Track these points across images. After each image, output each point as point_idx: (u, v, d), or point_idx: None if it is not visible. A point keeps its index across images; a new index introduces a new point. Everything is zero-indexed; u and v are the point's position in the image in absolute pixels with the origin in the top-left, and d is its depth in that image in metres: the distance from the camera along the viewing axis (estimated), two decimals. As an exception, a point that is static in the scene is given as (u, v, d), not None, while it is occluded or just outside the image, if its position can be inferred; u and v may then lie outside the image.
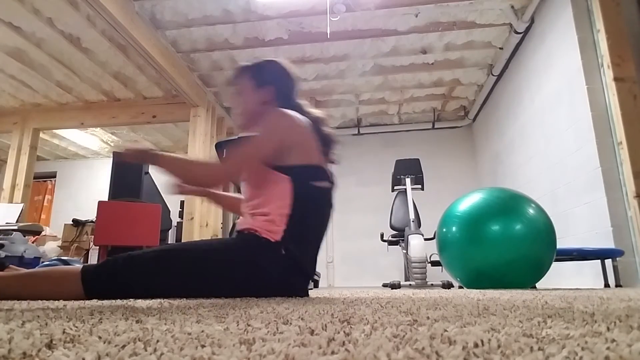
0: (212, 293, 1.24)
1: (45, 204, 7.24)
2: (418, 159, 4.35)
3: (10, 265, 1.44)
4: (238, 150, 1.28)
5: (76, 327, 0.46)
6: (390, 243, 4.42)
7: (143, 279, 1.22)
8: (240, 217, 1.43)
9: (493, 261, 2.37)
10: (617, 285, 2.54)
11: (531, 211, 2.44)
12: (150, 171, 4.38)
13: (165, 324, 0.49)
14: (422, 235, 3.54)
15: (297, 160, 1.31)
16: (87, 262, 4.17)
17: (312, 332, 0.40)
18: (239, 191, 4.37)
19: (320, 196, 1.37)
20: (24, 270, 1.32)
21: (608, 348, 0.30)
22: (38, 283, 1.19)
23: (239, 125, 1.48)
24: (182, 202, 5.24)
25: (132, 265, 1.23)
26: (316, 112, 1.47)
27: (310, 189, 1.33)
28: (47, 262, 1.81)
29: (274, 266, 1.26)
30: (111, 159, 4.10)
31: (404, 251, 4.05)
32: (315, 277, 4.11)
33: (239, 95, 1.46)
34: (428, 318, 0.53)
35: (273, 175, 1.31)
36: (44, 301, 1.08)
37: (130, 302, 1.04)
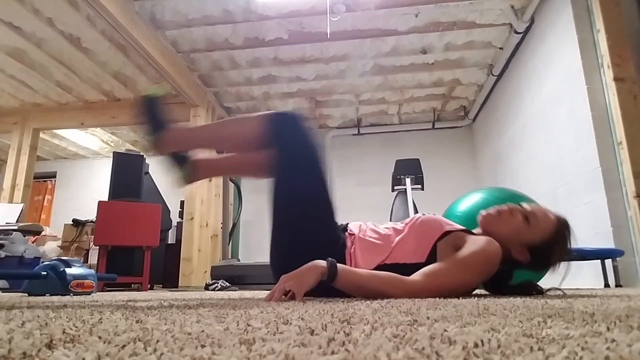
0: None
1: (45, 204, 7.24)
2: (418, 159, 4.35)
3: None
4: (438, 276, 1.10)
5: (76, 327, 0.46)
6: (390, 243, 4.42)
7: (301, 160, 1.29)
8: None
9: (493, 261, 2.37)
10: (617, 285, 2.54)
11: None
12: (150, 171, 4.38)
13: (165, 324, 0.49)
14: (422, 235, 3.53)
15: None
16: (87, 262, 4.17)
17: (312, 332, 0.40)
18: (238, 190, 4.29)
19: None
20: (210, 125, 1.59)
21: (608, 348, 0.30)
22: (224, 126, 1.42)
23: (482, 222, 1.32)
24: (182, 202, 5.24)
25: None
26: None
27: None
28: (47, 262, 1.81)
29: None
30: (111, 159, 4.09)
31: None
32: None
33: (521, 226, 1.25)
34: (428, 318, 0.53)
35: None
36: (45, 301, 1.08)
37: (130, 302, 1.04)
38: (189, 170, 1.44)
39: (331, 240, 1.27)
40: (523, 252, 1.24)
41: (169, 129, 1.41)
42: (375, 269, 1.18)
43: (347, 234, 1.33)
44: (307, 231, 1.25)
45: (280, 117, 1.32)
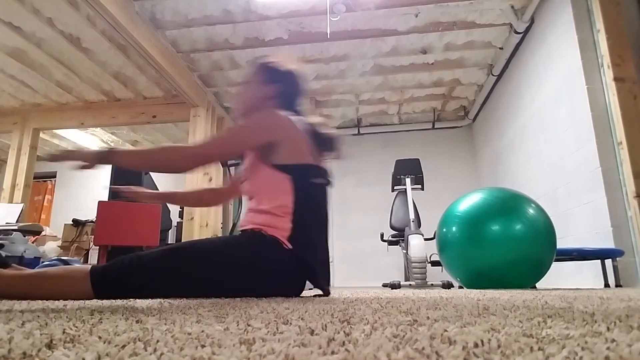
0: (219, 292, 1.25)
1: (45, 204, 7.24)
2: (418, 159, 4.35)
3: (13, 265, 1.44)
4: (216, 136, 1.33)
5: (76, 327, 0.46)
6: (390, 243, 4.42)
7: (151, 278, 1.22)
8: (244, 216, 1.43)
9: (493, 261, 2.37)
10: (617, 285, 2.54)
11: (531, 211, 2.44)
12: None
13: (165, 324, 0.49)
14: (422, 235, 3.54)
15: (291, 160, 1.35)
16: (87, 262, 4.17)
17: (312, 332, 0.40)
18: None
19: (319, 193, 1.42)
20: (29, 270, 1.30)
21: (608, 348, 0.30)
22: (45, 283, 1.19)
23: (237, 113, 1.53)
24: (182, 202, 5.24)
25: (140, 265, 1.23)
26: (315, 118, 1.53)
27: (310, 186, 1.37)
28: (47, 262, 1.80)
29: (279, 263, 1.28)
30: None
31: (404, 251, 4.05)
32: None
33: (246, 85, 1.50)
34: (428, 318, 0.53)
35: (274, 174, 1.33)
36: (46, 301, 1.08)
37: (130, 302, 1.04)
38: None
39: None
40: (269, 89, 1.46)
41: None
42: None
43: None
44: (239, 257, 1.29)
45: (98, 275, 1.20)
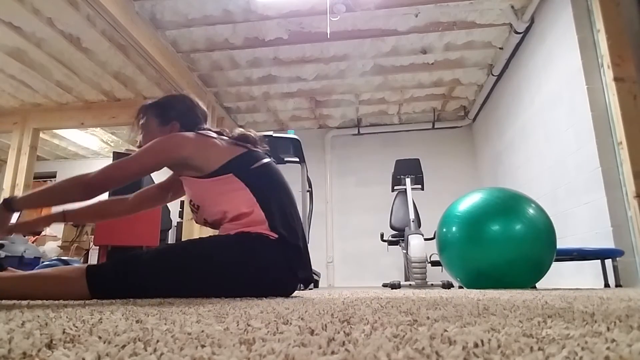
0: (217, 291, 1.25)
1: (45, 204, 7.23)
2: (418, 159, 4.35)
3: (9, 268, 1.44)
4: (109, 164, 1.31)
5: (76, 327, 0.46)
6: (390, 243, 4.42)
7: (148, 277, 1.23)
8: (221, 231, 1.40)
9: (493, 261, 2.37)
10: (617, 285, 2.54)
11: (531, 211, 2.44)
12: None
13: (165, 324, 0.49)
14: (422, 235, 3.54)
15: (219, 161, 1.33)
16: (87, 262, 4.17)
17: (312, 332, 0.40)
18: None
19: (267, 171, 1.42)
20: (25, 272, 1.31)
21: (608, 348, 0.30)
22: (42, 283, 1.19)
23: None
24: (182, 202, 5.24)
25: (137, 264, 1.24)
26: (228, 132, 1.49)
27: (254, 171, 1.37)
28: (47, 262, 1.81)
29: (270, 254, 1.28)
30: (111, 159, 4.09)
31: (404, 251, 4.04)
32: (315, 277, 4.10)
33: (145, 133, 1.48)
34: (428, 318, 0.53)
35: (215, 181, 1.33)
36: (46, 301, 1.08)
37: (130, 302, 1.04)
38: None
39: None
40: (167, 129, 1.46)
41: None
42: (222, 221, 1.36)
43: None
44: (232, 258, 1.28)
45: (94, 274, 1.20)
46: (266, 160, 1.44)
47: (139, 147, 1.43)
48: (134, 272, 1.23)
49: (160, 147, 1.33)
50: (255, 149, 1.44)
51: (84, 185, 1.26)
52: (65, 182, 1.28)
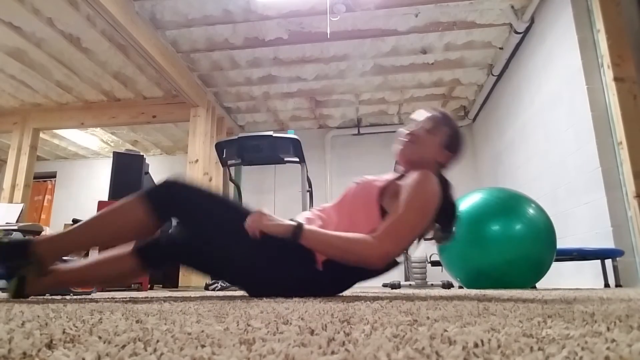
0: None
1: (45, 204, 7.24)
2: (418, 159, 4.34)
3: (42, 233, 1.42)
4: (396, 229, 1.16)
5: (76, 327, 0.46)
6: (390, 243, 4.41)
7: (200, 206, 1.24)
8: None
9: (493, 261, 2.37)
10: (617, 285, 2.54)
11: (531, 211, 2.44)
12: (150, 171, 4.38)
13: (165, 324, 0.49)
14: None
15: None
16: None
17: (312, 332, 0.40)
18: (238, 191, 4.27)
19: None
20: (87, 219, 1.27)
21: (608, 348, 0.30)
22: (102, 225, 1.21)
23: (402, 155, 1.37)
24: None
25: (209, 195, 1.26)
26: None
27: None
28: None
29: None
30: (111, 158, 4.09)
31: (404, 251, 4.03)
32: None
33: (427, 135, 1.35)
34: (428, 318, 0.53)
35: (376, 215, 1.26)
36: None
37: (130, 302, 1.04)
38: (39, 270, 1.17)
39: (285, 246, 1.22)
40: (443, 154, 1.35)
41: (33, 250, 1.15)
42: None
43: None
44: (255, 247, 1.23)
45: (158, 192, 1.23)
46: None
47: (409, 134, 1.35)
48: (191, 195, 1.24)
49: (432, 205, 1.21)
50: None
51: (380, 258, 1.15)
52: (358, 244, 1.14)
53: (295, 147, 3.68)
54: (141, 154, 4.25)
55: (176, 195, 1.23)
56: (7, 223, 3.72)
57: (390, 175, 1.35)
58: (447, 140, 1.35)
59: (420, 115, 1.41)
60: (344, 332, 0.40)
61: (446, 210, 1.28)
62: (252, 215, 1.17)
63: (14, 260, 1.14)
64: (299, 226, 1.14)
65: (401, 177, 1.32)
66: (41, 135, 5.58)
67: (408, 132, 1.37)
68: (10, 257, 1.14)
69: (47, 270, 1.18)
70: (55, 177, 7.24)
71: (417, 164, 1.32)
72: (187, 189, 1.25)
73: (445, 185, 1.29)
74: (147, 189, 1.23)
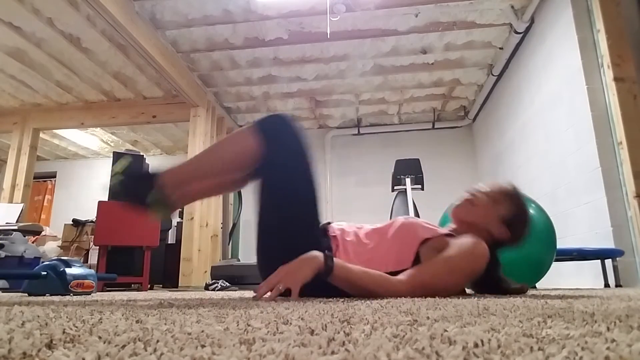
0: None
1: (45, 204, 7.24)
2: (418, 159, 4.34)
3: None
4: (431, 283, 1.13)
5: (76, 327, 0.46)
6: (390, 243, 4.41)
7: (294, 154, 1.25)
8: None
9: (493, 261, 2.37)
10: (617, 285, 2.54)
11: (531, 211, 2.43)
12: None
13: (165, 324, 0.49)
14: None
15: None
16: (87, 262, 4.17)
17: (312, 332, 0.40)
18: (239, 195, 4.28)
19: None
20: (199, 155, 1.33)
21: (608, 348, 0.30)
22: (217, 151, 1.26)
23: (457, 213, 1.35)
24: (182, 202, 5.23)
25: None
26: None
27: None
28: (47, 263, 1.80)
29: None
30: (111, 159, 4.09)
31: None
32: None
33: (489, 203, 1.31)
34: (428, 318, 0.53)
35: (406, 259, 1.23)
36: (45, 299, 1.08)
37: (131, 302, 1.04)
38: (166, 203, 1.26)
39: (317, 244, 1.21)
40: (501, 229, 1.30)
41: (161, 181, 1.23)
42: None
43: (330, 236, 1.32)
44: (294, 235, 1.22)
45: (273, 121, 1.25)
46: None
47: (471, 195, 1.33)
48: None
49: (479, 269, 1.19)
50: None
51: (405, 295, 1.10)
52: (385, 285, 1.11)
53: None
54: (141, 154, 4.25)
55: (283, 128, 1.25)
56: (7, 223, 3.72)
57: (441, 229, 1.31)
58: (509, 217, 1.30)
59: (492, 183, 1.37)
60: (344, 332, 0.40)
61: (485, 277, 1.25)
62: (276, 279, 1.03)
63: (142, 190, 1.22)
64: (329, 264, 1.06)
65: (451, 235, 1.29)
66: (41, 135, 5.58)
67: (471, 192, 1.34)
68: (140, 188, 1.23)
69: (170, 199, 1.25)
70: (55, 177, 7.24)
71: (469, 227, 1.29)
72: (294, 130, 1.26)
73: (493, 260, 1.24)
74: (258, 120, 1.27)
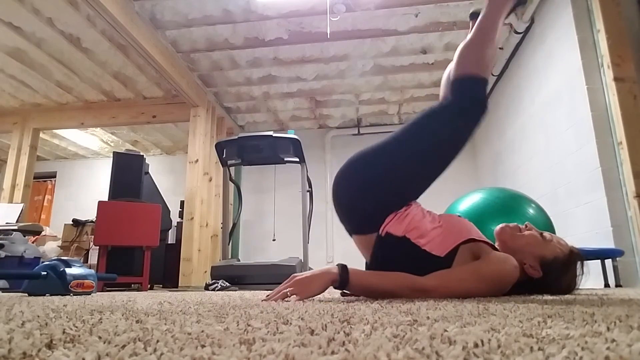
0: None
1: (45, 204, 7.24)
2: (418, 159, 4.34)
3: None
4: (455, 287, 1.12)
5: (76, 327, 0.46)
6: (390, 243, 4.41)
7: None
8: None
9: (493, 261, 2.37)
10: (617, 285, 2.54)
11: (531, 211, 2.44)
12: (150, 171, 4.38)
13: (165, 324, 0.49)
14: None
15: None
16: (87, 262, 4.17)
17: (312, 332, 0.40)
18: (238, 191, 4.27)
19: None
20: None
21: (608, 348, 0.30)
22: None
23: (501, 233, 1.36)
24: (182, 202, 5.24)
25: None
26: None
27: None
28: (47, 263, 1.80)
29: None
30: (111, 159, 4.09)
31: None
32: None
33: (538, 240, 1.32)
34: (428, 318, 0.53)
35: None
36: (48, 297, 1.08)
37: (130, 302, 1.04)
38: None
39: (410, 193, 1.35)
40: (535, 267, 1.27)
41: None
42: (396, 238, 1.22)
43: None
44: (409, 173, 1.34)
45: (474, 87, 1.40)
46: None
47: (525, 225, 1.37)
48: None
49: (508, 281, 1.18)
50: None
51: (422, 293, 1.12)
52: (406, 288, 1.11)
53: (295, 147, 3.68)
54: (141, 154, 4.25)
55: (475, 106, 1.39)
56: (7, 223, 3.72)
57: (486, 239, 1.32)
58: (549, 262, 1.27)
59: (558, 238, 1.36)
60: (344, 332, 0.40)
61: None
62: (288, 286, 1.06)
63: None
64: (343, 276, 1.07)
65: (493, 246, 1.29)
66: (41, 135, 5.58)
67: (528, 225, 1.37)
68: None
69: None
70: (55, 177, 7.24)
71: (506, 249, 1.30)
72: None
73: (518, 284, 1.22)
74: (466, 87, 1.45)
